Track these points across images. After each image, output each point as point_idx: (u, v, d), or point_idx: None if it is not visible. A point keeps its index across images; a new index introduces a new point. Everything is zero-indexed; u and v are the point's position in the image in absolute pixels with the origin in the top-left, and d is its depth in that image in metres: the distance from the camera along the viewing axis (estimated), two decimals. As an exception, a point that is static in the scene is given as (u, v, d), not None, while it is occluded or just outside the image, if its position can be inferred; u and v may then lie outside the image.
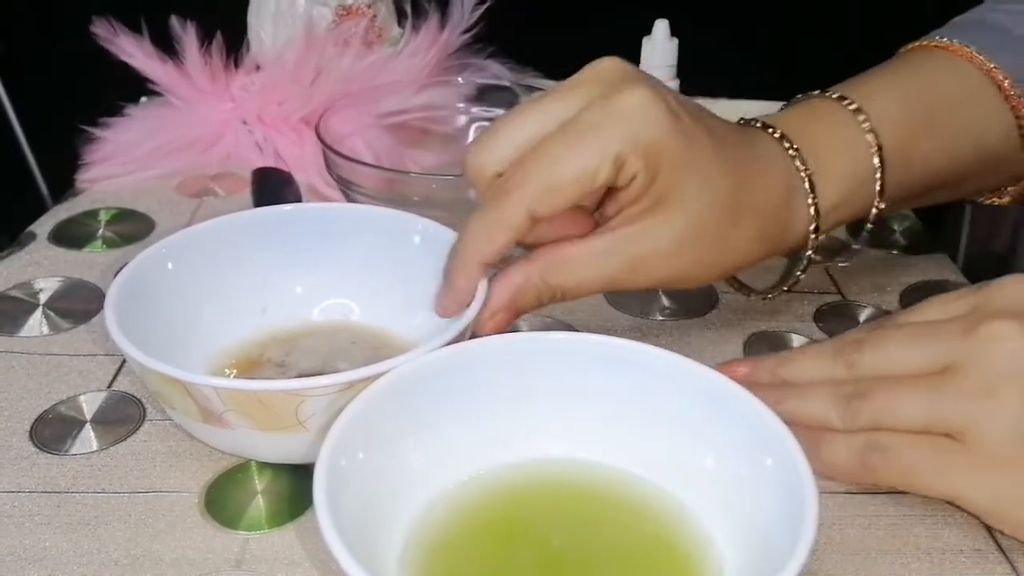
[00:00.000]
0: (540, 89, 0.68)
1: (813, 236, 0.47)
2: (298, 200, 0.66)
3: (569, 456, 0.40)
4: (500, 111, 0.69)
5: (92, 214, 0.64)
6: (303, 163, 0.68)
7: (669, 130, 0.41)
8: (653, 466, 0.39)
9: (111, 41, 0.67)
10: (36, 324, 0.52)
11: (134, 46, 0.68)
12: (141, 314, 0.43)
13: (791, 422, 0.36)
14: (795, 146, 0.46)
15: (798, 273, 0.50)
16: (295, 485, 0.42)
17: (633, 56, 0.70)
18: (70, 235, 0.61)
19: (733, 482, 0.37)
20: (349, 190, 0.60)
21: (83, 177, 0.67)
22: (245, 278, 0.48)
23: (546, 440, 0.40)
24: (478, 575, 0.36)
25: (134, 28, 0.68)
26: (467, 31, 0.71)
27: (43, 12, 0.90)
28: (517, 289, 0.43)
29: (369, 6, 0.73)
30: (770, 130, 0.47)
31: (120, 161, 0.68)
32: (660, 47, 0.69)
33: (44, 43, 0.91)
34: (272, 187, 0.66)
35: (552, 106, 0.42)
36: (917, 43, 0.52)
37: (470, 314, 0.42)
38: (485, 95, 0.69)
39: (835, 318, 0.54)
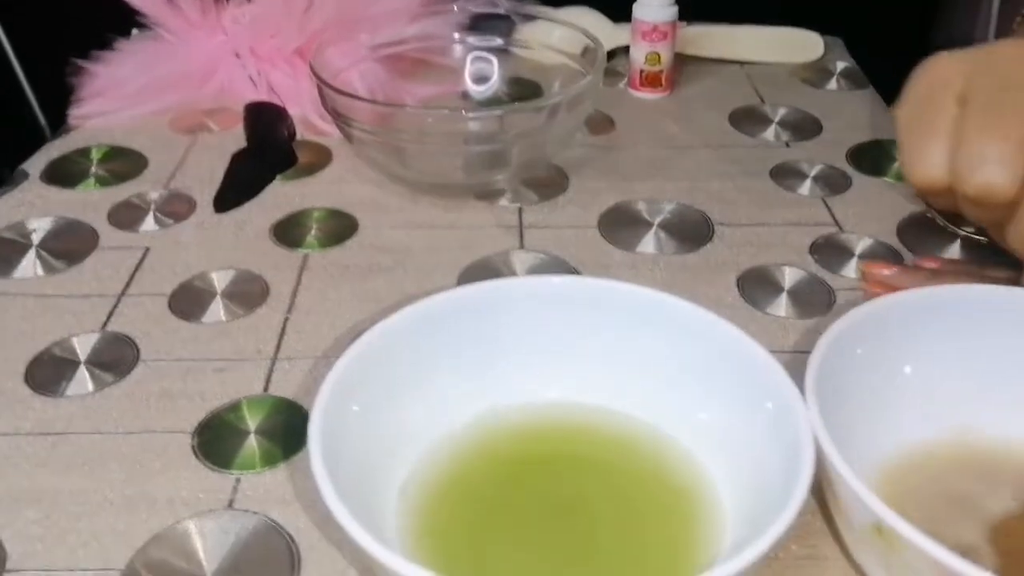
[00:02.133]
0: (536, 17, 0.67)
1: None
2: (292, 134, 0.66)
3: (568, 399, 0.41)
4: (496, 40, 0.68)
5: (84, 152, 0.63)
6: (297, 96, 0.67)
7: None
8: (652, 408, 0.39)
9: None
10: (30, 265, 0.52)
11: (123, -23, 0.66)
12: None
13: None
14: None
15: None
16: (287, 425, 0.42)
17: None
18: (63, 174, 0.61)
19: (733, 425, 0.37)
20: (345, 125, 0.59)
21: (75, 114, 0.67)
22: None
23: (546, 384, 0.41)
24: (479, 511, 0.37)
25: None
26: (461, -42, 0.69)
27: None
28: None
29: (361, -67, 0.71)
30: None
31: (112, 97, 0.67)
32: (658, -28, 0.67)
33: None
34: (266, 122, 0.66)
35: None
36: None
37: None
38: (480, 24, 0.68)
39: (830, 250, 0.53)
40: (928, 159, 0.42)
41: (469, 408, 0.40)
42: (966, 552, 0.33)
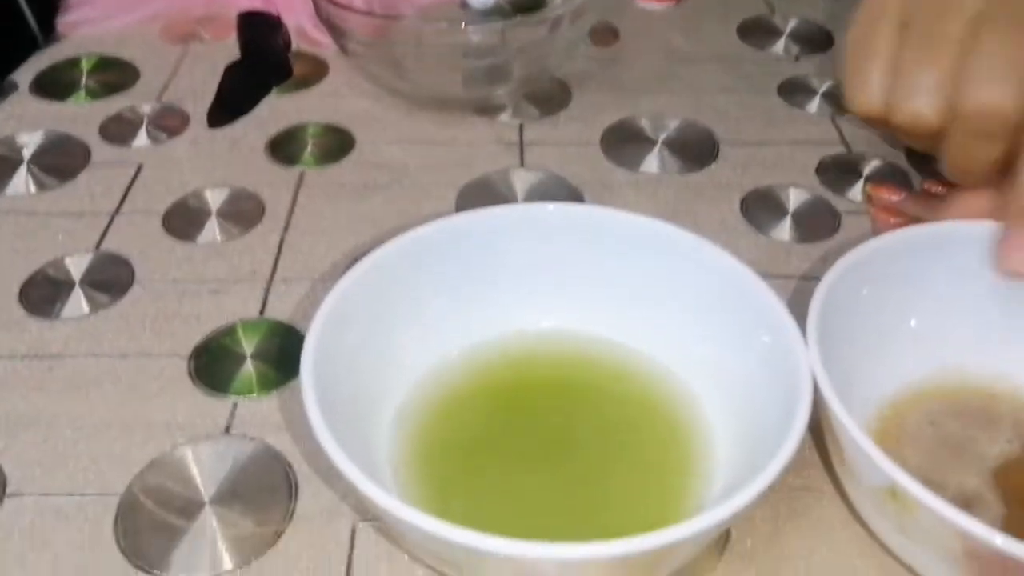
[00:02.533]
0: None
1: None
2: (287, 45, 0.64)
3: (565, 328, 0.40)
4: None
5: (74, 63, 0.62)
6: (292, 4, 0.65)
7: None
8: (650, 338, 0.39)
9: None
10: (22, 182, 0.51)
11: None
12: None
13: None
14: None
15: None
16: (283, 349, 0.42)
17: None
18: (52, 85, 0.59)
19: (729, 357, 0.36)
20: (340, 37, 0.57)
21: (63, 21, 0.65)
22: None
23: (543, 312, 0.40)
24: (473, 438, 0.37)
25: None
26: None
27: None
28: None
29: None
30: None
31: (100, 3, 0.65)
32: None
33: None
34: (260, 32, 0.64)
35: None
36: None
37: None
38: (482, -72, 0.66)
39: (837, 171, 0.52)
40: (866, 86, 0.42)
41: (466, 335, 0.39)
42: (970, 501, 0.33)
